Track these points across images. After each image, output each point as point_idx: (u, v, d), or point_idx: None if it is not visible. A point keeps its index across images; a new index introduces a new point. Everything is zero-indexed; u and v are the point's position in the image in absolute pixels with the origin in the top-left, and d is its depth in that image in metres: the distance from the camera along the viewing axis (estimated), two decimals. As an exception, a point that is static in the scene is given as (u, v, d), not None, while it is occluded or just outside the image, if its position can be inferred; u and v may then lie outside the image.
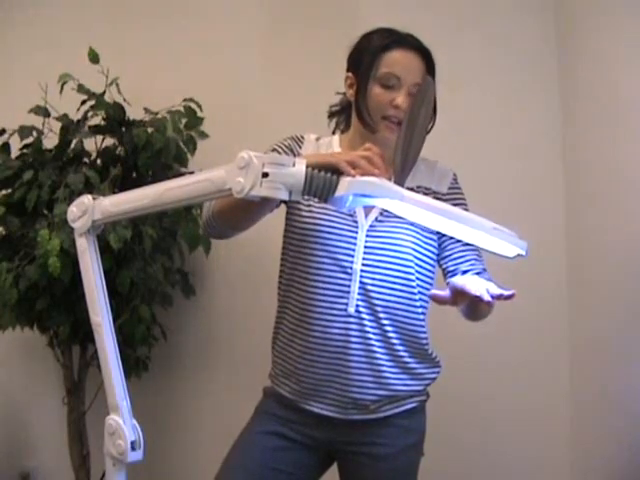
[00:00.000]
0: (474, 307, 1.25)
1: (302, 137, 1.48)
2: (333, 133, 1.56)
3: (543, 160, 2.15)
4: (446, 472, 1.96)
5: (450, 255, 1.43)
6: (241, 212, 1.30)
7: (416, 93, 1.33)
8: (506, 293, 1.10)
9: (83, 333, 2.02)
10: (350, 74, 1.43)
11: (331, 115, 1.57)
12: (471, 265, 1.41)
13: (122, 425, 1.12)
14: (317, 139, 1.49)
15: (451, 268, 1.42)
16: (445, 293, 1.17)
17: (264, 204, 1.21)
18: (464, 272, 1.39)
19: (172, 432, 2.33)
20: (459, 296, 1.14)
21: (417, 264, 1.39)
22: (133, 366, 2.11)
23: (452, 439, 2.04)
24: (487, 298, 1.09)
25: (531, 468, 2.10)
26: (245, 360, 2.26)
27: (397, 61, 1.37)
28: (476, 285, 1.11)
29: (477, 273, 1.39)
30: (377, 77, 1.37)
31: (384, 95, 1.36)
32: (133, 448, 1.12)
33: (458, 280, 1.15)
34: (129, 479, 1.16)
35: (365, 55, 1.39)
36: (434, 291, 1.22)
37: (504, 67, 2.18)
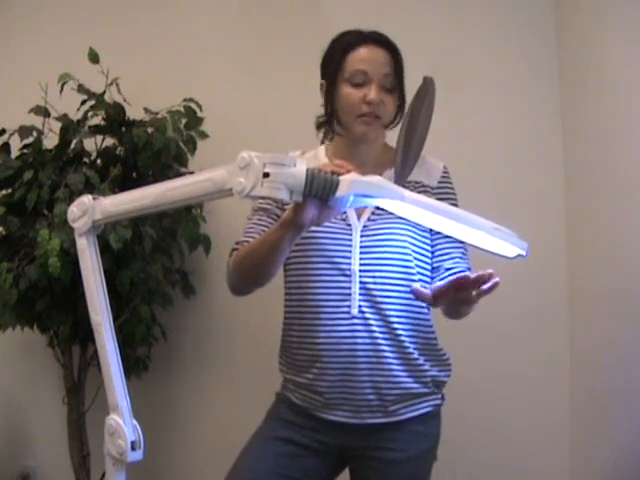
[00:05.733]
0: (455, 305, 1.27)
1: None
2: (322, 143, 1.55)
3: (543, 160, 2.15)
4: (446, 473, 1.96)
5: (435, 252, 1.44)
6: (260, 252, 1.29)
7: (417, 93, 1.33)
8: (488, 284, 1.13)
9: (83, 333, 2.02)
10: (323, 81, 1.45)
11: (319, 126, 1.55)
12: (455, 263, 1.42)
13: (122, 425, 1.12)
14: (302, 153, 1.49)
15: (435, 264, 1.43)
16: (426, 291, 1.20)
17: (281, 234, 1.20)
18: (447, 269, 1.40)
19: (172, 432, 2.32)
20: (440, 298, 1.17)
21: (416, 257, 1.39)
22: (133, 366, 2.10)
23: (452, 440, 2.03)
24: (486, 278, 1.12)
25: (531, 470, 2.10)
26: (245, 360, 2.26)
27: (362, 57, 1.38)
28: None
29: (460, 271, 1.38)
30: (345, 77, 1.38)
31: (355, 94, 1.37)
32: (133, 448, 1.12)
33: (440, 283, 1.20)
34: (129, 479, 1.16)
35: (332, 59, 1.41)
36: (415, 285, 1.24)
37: (504, 67, 2.18)
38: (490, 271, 1.12)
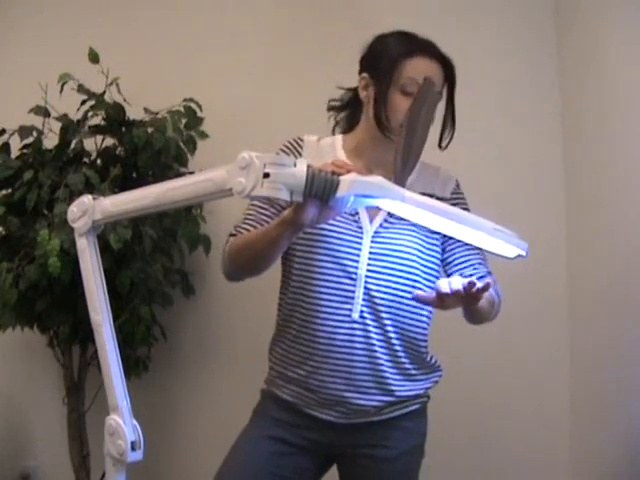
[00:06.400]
0: (467, 308, 1.25)
1: (301, 140, 1.46)
2: (333, 132, 1.54)
3: (543, 160, 2.15)
4: (446, 473, 1.96)
5: (453, 260, 1.43)
6: (258, 246, 1.29)
7: (417, 94, 1.32)
8: (479, 284, 1.10)
9: (83, 333, 2.02)
10: (366, 75, 1.41)
11: (331, 109, 1.54)
12: (474, 269, 1.41)
13: (122, 425, 1.12)
14: (318, 140, 1.47)
15: (456, 274, 1.42)
16: (429, 294, 1.17)
17: (280, 232, 1.20)
18: (468, 276, 1.37)
19: (172, 432, 2.33)
20: (445, 298, 1.13)
21: (423, 271, 1.39)
22: (133, 366, 2.10)
23: (452, 440, 2.04)
24: (455, 288, 1.09)
25: (532, 468, 2.10)
26: (245, 360, 2.25)
27: (420, 69, 1.34)
28: (446, 283, 1.12)
29: (481, 277, 1.38)
30: (399, 83, 1.35)
31: (404, 103, 1.34)
32: (133, 448, 1.12)
33: (436, 282, 1.15)
34: (129, 479, 1.16)
35: (385, 59, 1.36)
36: (417, 292, 1.23)
37: (504, 67, 2.18)
38: (480, 284, 1.11)
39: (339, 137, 1.48)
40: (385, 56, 1.37)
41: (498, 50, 2.18)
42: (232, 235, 1.41)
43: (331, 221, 1.33)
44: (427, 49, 1.37)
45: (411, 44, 1.37)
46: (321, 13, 2.27)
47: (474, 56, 2.17)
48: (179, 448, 2.32)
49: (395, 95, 1.35)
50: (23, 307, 1.93)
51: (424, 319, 1.42)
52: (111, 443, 1.13)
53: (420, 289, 1.37)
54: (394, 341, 1.37)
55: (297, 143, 1.45)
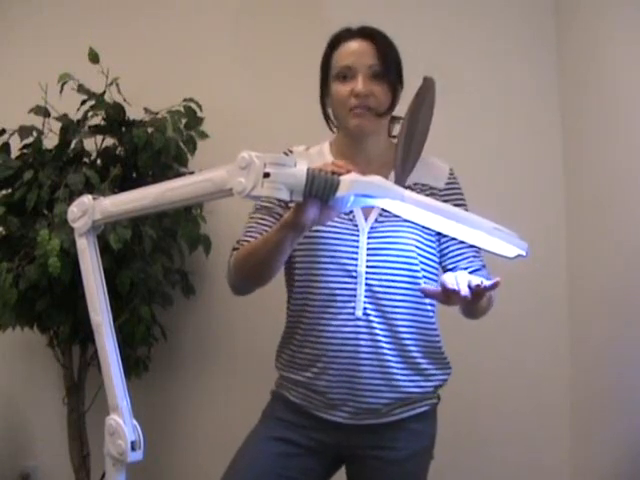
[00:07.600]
0: (466, 303, 1.25)
1: (290, 151, 1.48)
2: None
3: (543, 160, 2.15)
4: (445, 473, 1.96)
5: (448, 253, 1.43)
6: (262, 253, 1.29)
7: (417, 93, 1.32)
8: (487, 283, 1.10)
9: (83, 333, 2.02)
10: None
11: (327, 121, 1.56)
12: (469, 262, 1.41)
13: (122, 425, 1.12)
14: (307, 149, 1.49)
15: (450, 266, 1.42)
16: (435, 288, 1.17)
17: (283, 235, 1.20)
18: (463, 269, 1.38)
19: (172, 432, 2.33)
20: (450, 293, 1.13)
21: (422, 261, 1.39)
22: (133, 366, 2.10)
23: (452, 440, 2.03)
24: (464, 292, 1.10)
25: (532, 469, 2.10)
26: (245, 360, 2.26)
27: (345, 53, 1.40)
28: (453, 279, 1.12)
29: (475, 270, 1.39)
30: (334, 75, 1.40)
31: (343, 89, 1.38)
32: (133, 448, 1.12)
33: (442, 276, 1.15)
34: (129, 479, 1.16)
35: (322, 59, 1.44)
36: (424, 285, 1.22)
37: (504, 67, 2.19)
38: (489, 283, 1.11)
39: (326, 144, 1.50)
40: (323, 57, 1.44)
41: (498, 50, 2.19)
42: (235, 249, 1.42)
43: (328, 223, 1.33)
44: (349, 33, 1.42)
45: (338, 35, 1.43)
46: (322, 13, 2.27)
47: (474, 56, 2.18)
48: (179, 448, 2.32)
49: (335, 87, 1.40)
50: (23, 307, 1.93)
51: (428, 307, 1.41)
52: (111, 443, 1.13)
53: (419, 278, 1.37)
54: (403, 335, 1.36)
55: (286, 155, 1.46)
